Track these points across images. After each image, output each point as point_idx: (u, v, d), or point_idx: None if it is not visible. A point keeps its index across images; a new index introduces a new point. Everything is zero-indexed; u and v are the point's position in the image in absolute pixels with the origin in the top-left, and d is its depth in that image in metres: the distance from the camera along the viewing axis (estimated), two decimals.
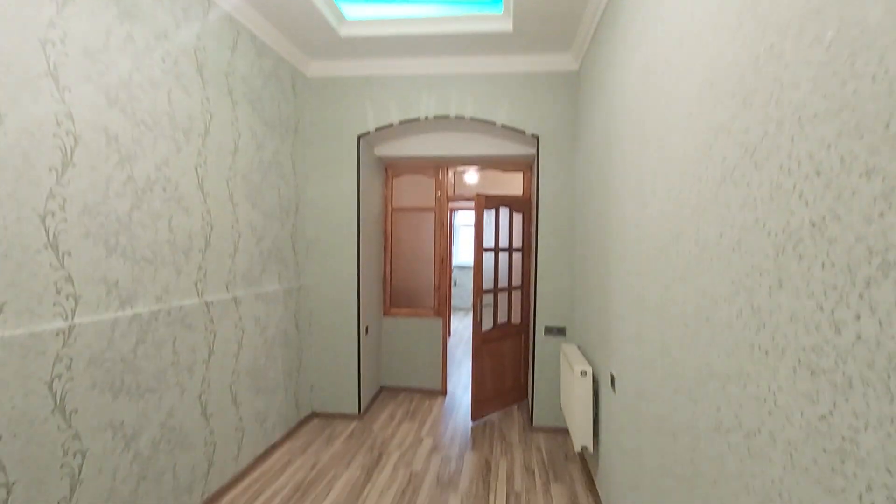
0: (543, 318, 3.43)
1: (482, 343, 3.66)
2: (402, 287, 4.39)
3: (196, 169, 2.35)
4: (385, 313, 4.35)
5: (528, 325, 4.07)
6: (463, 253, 9.83)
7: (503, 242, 3.88)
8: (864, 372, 0.65)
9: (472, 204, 7.98)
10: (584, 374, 2.48)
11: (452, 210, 7.21)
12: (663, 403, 1.47)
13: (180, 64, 2.25)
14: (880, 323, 0.63)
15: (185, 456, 2.29)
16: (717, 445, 1.10)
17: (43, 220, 1.57)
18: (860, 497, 0.66)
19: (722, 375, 1.08)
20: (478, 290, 3.58)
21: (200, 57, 2.38)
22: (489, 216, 3.76)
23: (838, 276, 0.71)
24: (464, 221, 9.85)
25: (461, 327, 7.89)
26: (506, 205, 3.86)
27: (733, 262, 1.04)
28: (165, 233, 2.15)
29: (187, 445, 2.29)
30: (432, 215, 4.33)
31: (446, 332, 4.30)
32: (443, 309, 4.29)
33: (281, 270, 3.21)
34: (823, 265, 0.74)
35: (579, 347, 3.04)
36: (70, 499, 1.67)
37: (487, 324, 3.74)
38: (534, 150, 3.73)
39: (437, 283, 4.32)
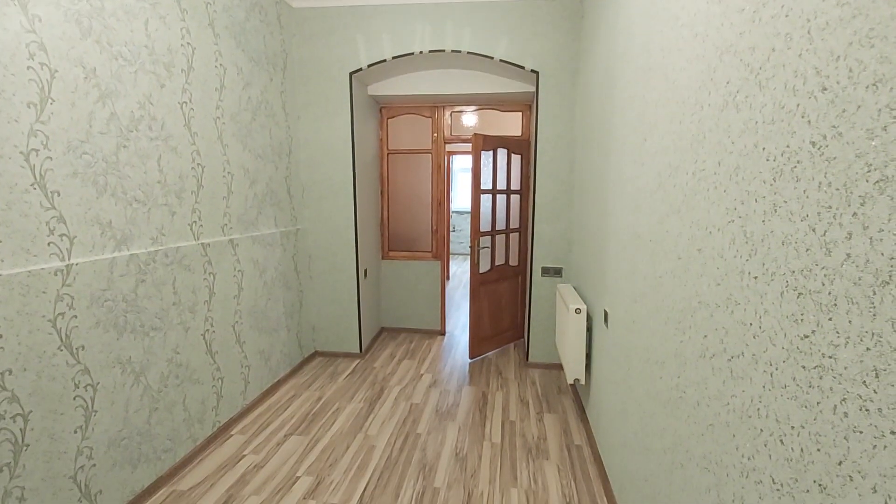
0: (541, 260, 3.46)
1: (480, 284, 3.71)
2: (401, 231, 4.39)
3: (181, 106, 2.26)
4: (384, 257, 4.38)
5: (525, 267, 4.12)
6: (461, 198, 9.74)
7: (501, 184, 3.83)
8: (850, 290, 0.66)
9: (469, 147, 7.81)
10: (578, 311, 2.54)
11: (450, 154, 7.07)
12: (652, 334, 1.51)
13: None
14: (871, 240, 0.62)
15: (195, 390, 2.38)
16: (701, 370, 1.14)
17: (27, 159, 1.53)
18: (834, 409, 0.69)
19: (710, 304, 1.09)
20: (475, 233, 3.58)
21: None
22: (487, 158, 3.68)
23: (833, 196, 0.69)
24: (461, 166, 9.68)
25: (459, 271, 7.98)
26: (504, 146, 3.77)
27: (730, 190, 1.02)
28: (155, 173, 2.11)
29: (195, 380, 2.39)
30: (429, 158, 4.24)
31: (445, 274, 4.36)
32: (441, 252, 4.32)
33: (277, 214, 3.19)
34: (820, 185, 0.72)
35: (575, 288, 3.08)
36: (85, 427, 1.76)
37: (485, 266, 3.78)
38: (533, 88, 3.59)
39: (434, 226, 4.31)
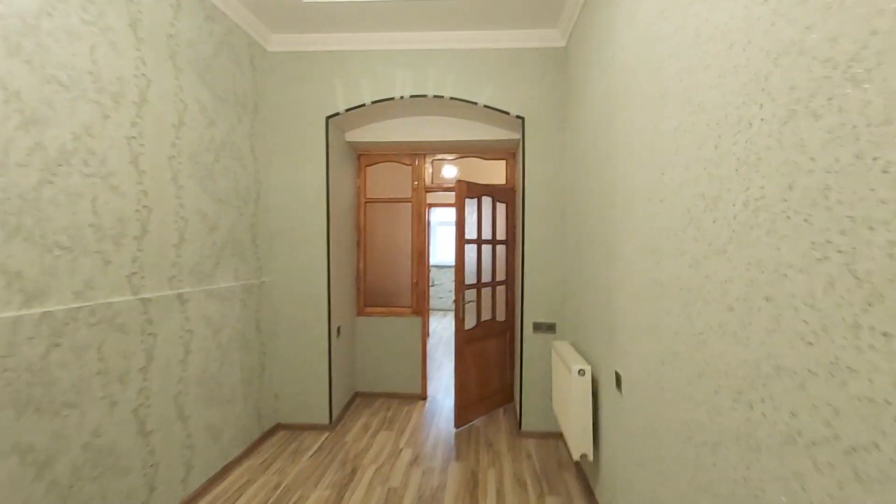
0: (532, 315, 3.17)
1: (465, 343, 3.37)
2: (378, 284, 4.07)
3: (129, 141, 1.98)
4: (359, 313, 4.02)
5: (513, 323, 3.82)
6: (440, 252, 9.54)
7: (486, 234, 3.61)
8: None
9: (450, 198, 7.71)
10: (581, 373, 2.22)
11: (430, 206, 6.94)
12: (695, 406, 1.21)
13: (107, 15, 1.88)
14: None
15: (119, 482, 1.91)
16: (792, 462, 0.84)
17: None
18: None
19: (798, 371, 0.82)
20: (460, 285, 3.30)
21: (133, 10, 2.02)
22: (471, 207, 3.49)
23: None
24: (441, 219, 9.56)
25: (440, 328, 7.59)
26: (489, 194, 3.60)
27: (815, 218, 0.78)
28: (88, 215, 1.77)
29: (120, 469, 1.92)
30: (409, 207, 4.03)
31: (426, 331, 4.00)
32: (422, 307, 3.99)
33: (239, 265, 2.84)
34: None
35: (573, 345, 2.79)
36: None
37: (471, 322, 3.46)
38: (518, 135, 3.49)
39: (415, 279, 4.01)
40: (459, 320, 3.30)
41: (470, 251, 3.46)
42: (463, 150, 3.85)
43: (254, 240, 3.03)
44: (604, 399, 2.13)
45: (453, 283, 9.40)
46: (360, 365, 4.02)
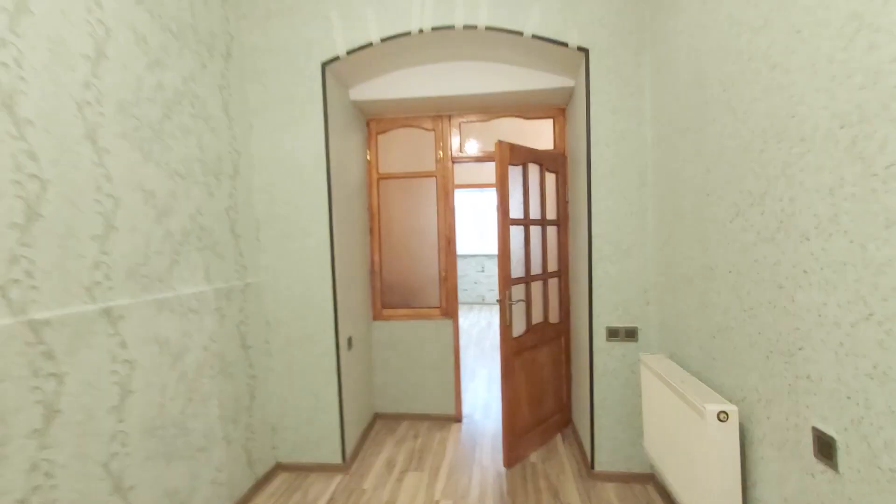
0: (605, 316, 2.36)
1: (514, 355, 2.58)
2: (397, 281, 3.30)
3: None
4: (376, 316, 3.26)
5: (569, 325, 3.01)
6: (461, 239, 8.72)
7: (534, 212, 2.80)
8: None
9: (480, 175, 6.86)
10: (723, 417, 1.42)
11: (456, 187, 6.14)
12: None
13: None
14: None
15: None
16: None
17: None
18: None
19: None
20: (505, 281, 2.50)
21: None
22: (514, 178, 2.67)
23: None
24: (460, 199, 8.73)
25: (466, 324, 6.83)
26: (536, 160, 2.77)
27: None
28: None
29: None
30: (433, 183, 3.23)
31: (457, 337, 3.22)
32: (452, 307, 3.21)
33: (211, 262, 2.10)
34: None
35: (679, 362, 1.98)
36: None
37: (519, 327, 2.67)
38: (572, 82, 2.65)
39: (443, 272, 3.23)
40: (506, 327, 2.51)
41: (515, 236, 2.66)
42: (499, 107, 3.03)
43: (233, 229, 2.29)
44: (774, 469, 1.32)
45: (479, 274, 8.60)
46: (379, 381, 3.27)
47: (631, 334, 2.34)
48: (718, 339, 1.60)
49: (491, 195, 8.39)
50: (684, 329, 1.91)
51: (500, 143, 2.51)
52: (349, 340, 2.73)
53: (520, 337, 2.63)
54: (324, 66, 2.46)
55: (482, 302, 8.56)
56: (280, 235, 2.52)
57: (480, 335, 6.05)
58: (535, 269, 2.79)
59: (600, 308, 2.37)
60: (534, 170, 2.79)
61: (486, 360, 4.84)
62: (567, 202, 3.02)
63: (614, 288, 2.35)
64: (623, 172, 2.32)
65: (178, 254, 1.90)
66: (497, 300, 2.59)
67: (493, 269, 8.50)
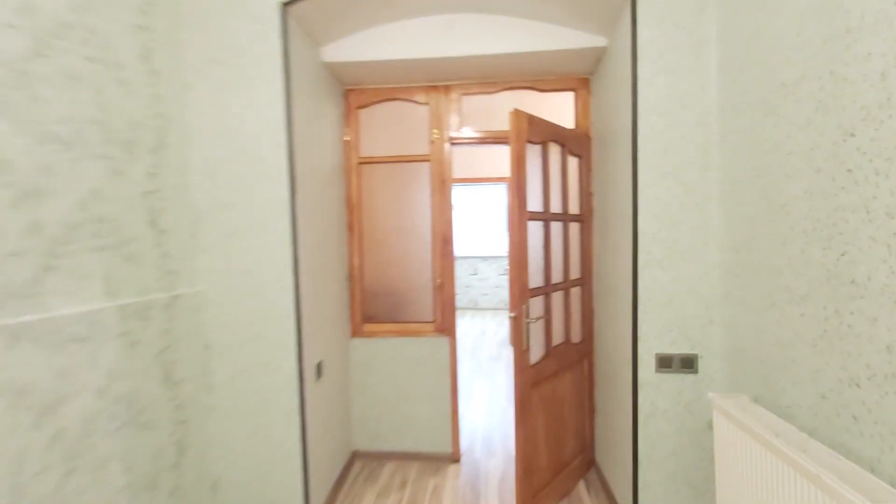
0: (653, 339, 1.80)
1: (532, 387, 2.01)
2: (382, 288, 2.71)
3: None
4: (355, 333, 2.66)
5: (591, 344, 2.46)
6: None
7: (555, 205, 2.24)
8: None
9: (471, 169, 6.20)
10: None
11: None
12: None
13: None
14: None
15: None
16: None
17: None
18: None
19: None
20: (522, 291, 1.93)
21: None
22: (532, 158, 2.10)
23: None
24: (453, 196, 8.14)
25: (459, 333, 6.24)
26: (557, 139, 2.21)
27: None
28: None
29: None
30: (426, 170, 2.64)
31: (455, 358, 2.64)
32: (448, 320, 2.63)
33: (115, 267, 1.49)
34: None
35: (772, 408, 1.42)
36: None
37: (536, 351, 2.10)
38: (603, 40, 2.10)
39: (438, 278, 2.64)
40: (522, 353, 1.94)
41: (533, 234, 2.09)
42: (507, 76, 2.46)
43: (154, 221, 1.67)
44: None
45: (471, 277, 7.96)
46: (359, 412, 2.67)
47: (688, 364, 1.78)
48: (868, 388, 1.05)
49: (486, 189, 7.83)
50: (784, 364, 1.35)
51: (516, 112, 1.94)
52: (318, 367, 2.13)
53: (538, 364, 2.06)
54: (284, 6, 1.86)
55: (475, 307, 7.99)
56: (226, 231, 1.90)
57: (475, 345, 5.47)
58: (556, 276, 2.23)
59: (648, 328, 1.81)
60: (555, 151, 2.22)
61: (484, 374, 4.26)
62: (591, 194, 2.47)
63: (666, 302, 1.79)
64: (680, 150, 1.76)
65: (54, 256, 1.28)
66: (510, 315, 2.02)
67: (487, 272, 7.93)
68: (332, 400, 2.33)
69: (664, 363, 1.79)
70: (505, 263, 7.78)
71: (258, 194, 1.89)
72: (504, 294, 7.83)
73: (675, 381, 1.79)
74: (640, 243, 1.80)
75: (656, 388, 1.81)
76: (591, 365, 2.47)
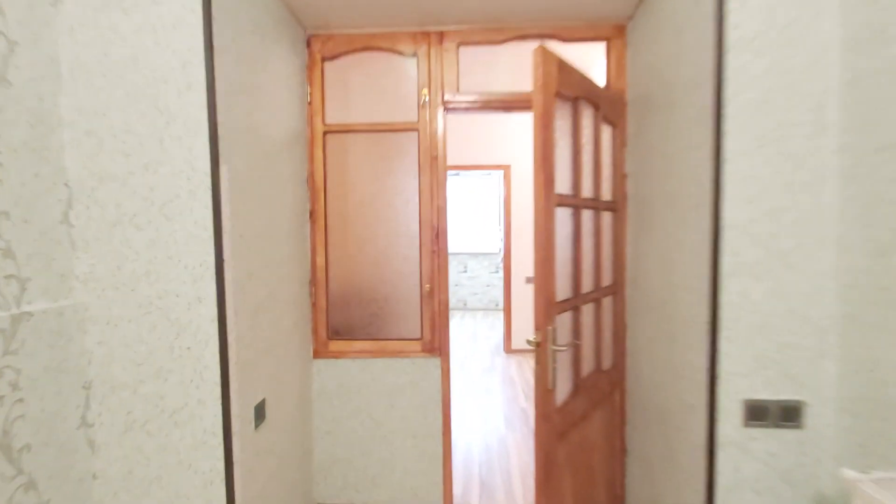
0: (738, 379, 1.25)
1: (558, 438, 1.44)
2: (354, 295, 2.10)
3: None
4: (319, 353, 2.06)
5: (623, 368, 1.90)
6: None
7: (587, 188, 1.67)
8: None
9: (460, 155, 5.43)
10: None
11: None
12: None
13: None
14: None
15: None
16: None
17: None
18: None
19: None
20: (548, 304, 1.36)
21: None
22: (560, 120, 1.52)
23: None
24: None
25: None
26: (591, 98, 1.64)
27: None
28: None
29: None
30: (413, 142, 2.04)
31: (448, 385, 2.06)
32: (441, 337, 2.05)
33: None
34: None
35: None
36: None
37: (563, 385, 1.53)
38: None
39: (428, 282, 2.06)
40: (546, 391, 1.36)
41: (561, 225, 1.51)
42: (523, 18, 1.87)
43: None
44: None
45: (460, 275, 7.32)
46: (323, 456, 2.08)
47: (791, 415, 1.23)
48: None
49: (478, 179, 7.24)
50: None
51: (543, 51, 1.36)
52: (258, 409, 1.53)
53: (565, 404, 1.50)
54: None
55: (464, 307, 7.43)
56: (115, 217, 1.28)
57: (465, 353, 4.91)
58: (587, 282, 1.66)
59: (732, 363, 1.25)
60: (587, 115, 1.65)
61: (477, 390, 3.70)
62: (625, 175, 1.91)
63: (760, 325, 1.24)
64: (784, 105, 1.21)
65: None
66: (531, 341, 1.45)
67: (477, 269, 7.37)
68: (282, 448, 1.73)
69: (756, 413, 1.24)
70: (497, 260, 7.22)
71: (162, 162, 1.28)
72: (495, 293, 7.28)
73: (771, 438, 1.25)
74: (723, 241, 1.24)
75: (743, 448, 1.26)
76: (623, 396, 1.92)
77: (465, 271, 7.40)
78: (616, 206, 1.86)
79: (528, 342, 1.42)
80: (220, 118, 1.32)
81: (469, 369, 4.24)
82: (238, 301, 1.40)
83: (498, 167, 4.75)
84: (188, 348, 1.31)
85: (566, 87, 1.46)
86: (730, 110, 1.21)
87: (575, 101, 1.55)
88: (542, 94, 1.34)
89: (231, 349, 1.35)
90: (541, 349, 1.34)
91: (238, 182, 1.43)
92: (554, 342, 1.37)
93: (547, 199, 1.35)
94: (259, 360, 1.54)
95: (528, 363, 4.38)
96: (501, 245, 6.59)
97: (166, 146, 1.28)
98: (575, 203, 1.55)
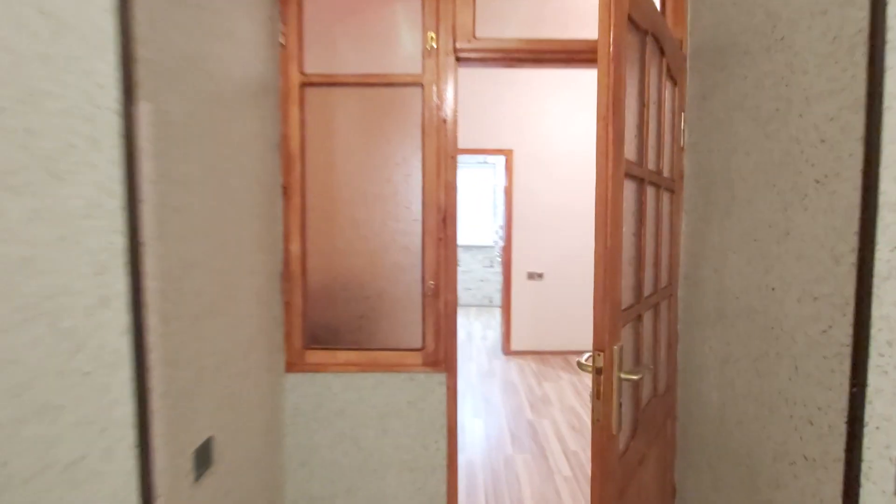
0: (893, 432, 0.86)
1: (619, 497, 1.04)
2: (339, 292, 1.67)
3: None
4: (292, 365, 1.63)
5: (675, 392, 1.52)
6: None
7: (652, 159, 1.26)
8: None
9: (460, 133, 4.85)
10: None
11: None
12: None
13: None
14: None
15: None
16: None
17: None
18: None
19: None
20: (614, 312, 0.96)
21: None
22: (628, 61, 1.10)
23: None
24: None
25: None
26: (657, 36, 1.23)
27: None
28: None
29: None
30: (415, 100, 1.61)
31: (455, 405, 1.65)
32: (447, 347, 1.64)
33: None
34: None
35: None
36: None
37: (624, 424, 1.13)
38: None
39: (431, 278, 1.64)
40: (608, 438, 0.96)
41: (627, 203, 1.10)
42: None
43: None
44: None
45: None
46: (296, 495, 1.66)
47: None
48: None
49: (471, 166, 6.82)
50: None
51: None
52: (202, 452, 1.10)
53: (626, 450, 1.10)
54: None
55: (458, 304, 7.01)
56: None
57: (460, 357, 4.51)
58: (648, 283, 1.27)
59: (887, 404, 0.87)
60: (654, 61, 1.24)
61: (476, 399, 3.31)
62: (682, 149, 1.52)
63: None
64: None
65: None
66: (589, 365, 1.07)
67: (470, 263, 6.97)
68: (239, 495, 1.31)
69: None
70: (492, 254, 6.83)
71: (49, 94, 0.83)
72: (490, 289, 6.90)
73: None
74: (879, 228, 0.85)
75: None
76: (673, 424, 1.54)
77: (458, 265, 6.99)
78: (674, 186, 1.47)
79: (582, 366, 1.02)
80: (141, 32, 0.89)
81: (465, 374, 3.85)
82: (168, 303, 0.97)
83: (499, 152, 4.33)
84: (87, 373, 0.88)
85: (637, 13, 1.05)
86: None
87: (644, 37, 1.14)
88: (613, 11, 0.93)
89: (153, 373, 0.92)
90: (605, 378, 0.95)
91: (172, 133, 0.99)
92: (621, 367, 0.97)
93: (616, 163, 0.94)
94: (203, 384, 1.11)
95: (530, 367, 4.00)
96: (498, 238, 6.20)
97: (54, 68, 0.83)
98: (641, 175, 1.14)
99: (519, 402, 3.22)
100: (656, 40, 1.20)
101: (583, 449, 2.56)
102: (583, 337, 4.33)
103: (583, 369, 1.03)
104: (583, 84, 4.18)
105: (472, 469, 2.37)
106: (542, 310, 4.35)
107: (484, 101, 4.27)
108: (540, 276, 4.33)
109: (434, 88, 1.57)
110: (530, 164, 4.27)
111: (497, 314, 6.29)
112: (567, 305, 4.33)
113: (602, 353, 0.95)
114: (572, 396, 3.32)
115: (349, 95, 1.62)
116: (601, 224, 0.94)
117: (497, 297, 6.81)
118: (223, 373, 1.21)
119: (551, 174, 4.28)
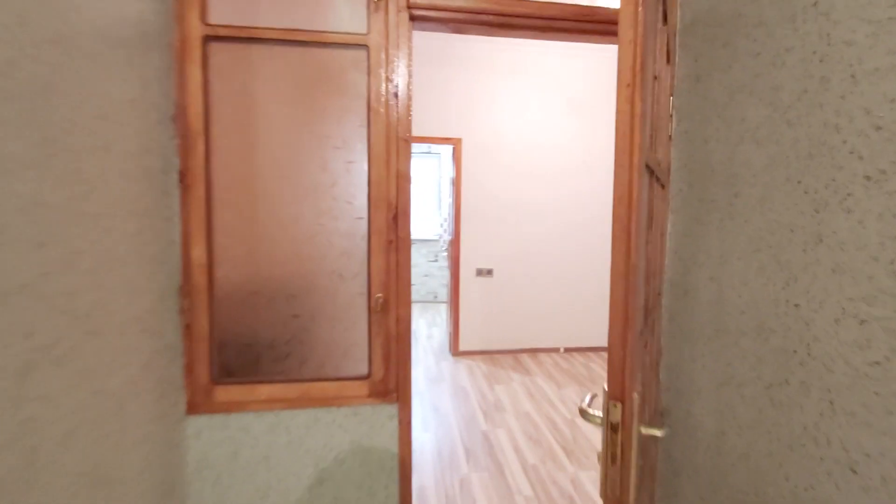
0: None
1: None
2: (260, 309, 1.32)
3: None
4: (195, 406, 1.25)
5: (656, 409, 1.34)
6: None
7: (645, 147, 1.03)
8: None
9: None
10: None
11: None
12: None
13: None
14: None
15: None
16: None
17: None
18: None
19: None
20: (633, 348, 0.71)
21: None
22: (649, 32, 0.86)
23: None
24: None
25: None
26: (664, 5, 1.00)
27: None
28: None
29: None
30: (358, 67, 1.28)
31: (409, 447, 1.37)
32: (400, 374, 1.34)
33: None
34: None
35: None
36: None
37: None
38: None
39: (381, 290, 1.33)
40: None
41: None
42: None
43: None
44: None
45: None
46: None
47: None
48: None
49: (414, 159, 6.47)
50: None
51: None
52: None
53: None
54: None
55: None
56: None
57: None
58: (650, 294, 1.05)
59: None
60: (661, 29, 1.01)
61: (425, 409, 3.04)
62: (670, 138, 1.33)
63: None
64: None
65: None
66: (594, 413, 1.00)
67: (413, 256, 6.66)
68: None
69: None
70: (436, 248, 6.57)
71: None
72: (434, 284, 6.65)
73: None
74: None
75: None
76: (655, 447, 1.36)
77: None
78: (665, 180, 1.27)
79: (588, 416, 0.77)
80: None
81: (412, 379, 3.56)
82: None
83: (447, 140, 4.05)
84: None
85: None
86: None
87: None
88: None
89: None
90: (624, 433, 0.70)
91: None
92: (637, 418, 0.74)
93: (641, 149, 0.70)
94: (39, 468, 0.74)
95: (480, 368, 3.80)
96: (444, 231, 5.95)
97: None
98: (652, 164, 0.91)
99: (471, 410, 3.00)
100: (663, 2, 0.98)
101: (541, 461, 2.38)
102: (533, 335, 4.20)
103: (588, 420, 0.78)
104: (537, 72, 4.00)
105: (423, 496, 2.10)
106: (492, 308, 4.16)
107: (431, 85, 3.97)
108: (489, 272, 4.13)
109: (383, 54, 1.25)
110: (480, 155, 4.03)
111: (442, 310, 6.06)
112: (517, 303, 4.18)
113: (620, 404, 0.70)
114: (525, 400, 3.16)
115: (273, 57, 1.25)
116: (621, 231, 0.70)
117: (442, 293, 6.58)
118: (79, 441, 0.84)
119: (502, 165, 4.07)
